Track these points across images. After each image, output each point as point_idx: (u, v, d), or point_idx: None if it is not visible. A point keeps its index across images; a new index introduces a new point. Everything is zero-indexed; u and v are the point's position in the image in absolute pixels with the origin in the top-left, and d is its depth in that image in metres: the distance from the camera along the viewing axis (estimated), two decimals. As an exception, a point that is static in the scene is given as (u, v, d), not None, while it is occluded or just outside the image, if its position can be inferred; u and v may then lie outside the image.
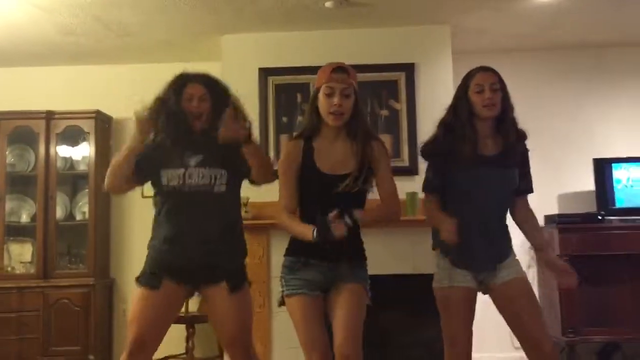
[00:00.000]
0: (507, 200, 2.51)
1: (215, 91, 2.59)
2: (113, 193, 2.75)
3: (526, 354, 2.43)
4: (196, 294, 2.63)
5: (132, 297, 4.99)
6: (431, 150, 2.54)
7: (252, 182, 2.59)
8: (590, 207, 4.64)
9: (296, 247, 2.35)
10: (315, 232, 2.21)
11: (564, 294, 4.26)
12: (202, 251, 2.50)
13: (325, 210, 2.22)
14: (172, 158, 2.52)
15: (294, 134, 2.46)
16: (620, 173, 4.59)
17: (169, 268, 2.50)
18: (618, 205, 4.56)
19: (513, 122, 2.51)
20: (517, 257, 2.54)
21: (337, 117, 2.34)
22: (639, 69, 5.00)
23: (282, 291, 2.38)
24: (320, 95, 2.36)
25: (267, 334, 4.10)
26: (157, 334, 2.51)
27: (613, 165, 4.60)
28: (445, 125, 2.52)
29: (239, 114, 2.40)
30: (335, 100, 2.33)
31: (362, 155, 2.35)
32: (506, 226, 2.52)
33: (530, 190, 2.57)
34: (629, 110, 4.98)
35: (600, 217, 4.42)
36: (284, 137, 4.46)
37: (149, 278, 2.51)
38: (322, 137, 2.40)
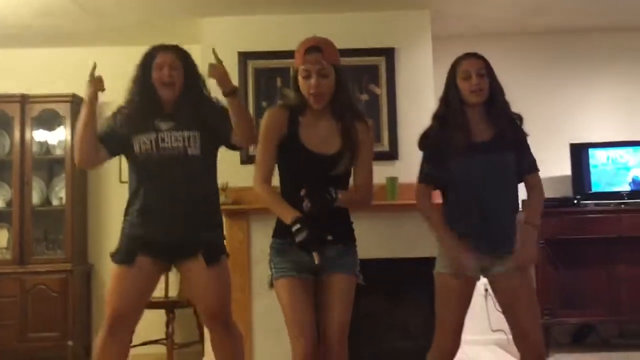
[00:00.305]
0: (507, 185, 2.48)
1: (188, 62, 2.57)
2: (86, 167, 2.68)
3: (514, 341, 2.47)
4: (173, 268, 2.61)
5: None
6: (427, 141, 2.54)
7: (231, 146, 2.54)
8: (567, 191, 4.71)
9: (284, 229, 2.27)
10: (298, 230, 2.16)
11: (540, 278, 4.33)
12: (176, 224, 2.47)
13: (311, 188, 2.20)
14: (142, 125, 2.48)
15: (279, 102, 2.40)
16: (600, 155, 4.65)
17: (143, 243, 2.47)
18: (594, 189, 4.63)
19: (503, 106, 2.50)
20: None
21: (317, 99, 2.28)
22: (616, 54, 5.06)
23: (271, 274, 2.33)
24: (299, 77, 2.30)
25: (248, 319, 4.10)
26: (134, 310, 2.50)
27: (589, 150, 4.67)
28: (439, 116, 2.52)
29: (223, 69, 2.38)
30: (312, 81, 2.26)
31: (347, 135, 2.30)
32: (512, 212, 2.49)
33: (533, 169, 2.55)
34: (606, 95, 5.04)
35: (576, 202, 4.48)
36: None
37: (124, 254, 2.49)
38: (307, 113, 2.33)
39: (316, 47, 2.28)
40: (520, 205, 2.55)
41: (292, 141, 2.30)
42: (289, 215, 2.19)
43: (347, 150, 2.29)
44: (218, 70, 2.40)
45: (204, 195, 2.52)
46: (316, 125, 2.32)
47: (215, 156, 2.58)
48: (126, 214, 2.56)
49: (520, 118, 2.56)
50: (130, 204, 2.55)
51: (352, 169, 2.34)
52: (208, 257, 2.48)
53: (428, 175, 2.50)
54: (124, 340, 2.53)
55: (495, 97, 2.48)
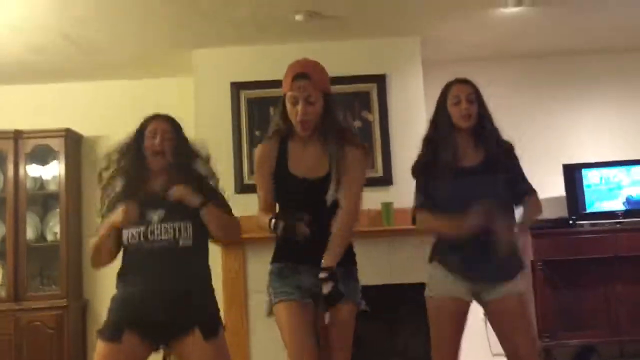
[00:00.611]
0: (499, 209, 2.43)
1: (180, 133, 2.51)
2: (99, 268, 2.65)
3: None
4: (161, 347, 2.45)
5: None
6: (418, 168, 2.54)
7: (214, 240, 2.49)
8: (561, 212, 4.71)
9: (283, 253, 2.25)
10: (276, 223, 2.17)
11: (539, 299, 4.31)
12: (167, 310, 2.33)
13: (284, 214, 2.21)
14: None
15: (267, 134, 2.38)
16: (593, 175, 4.67)
17: (131, 324, 2.35)
18: (589, 209, 4.64)
19: (492, 132, 2.51)
20: (526, 271, 2.54)
21: (304, 126, 2.26)
22: (605, 75, 5.12)
23: (270, 299, 2.25)
24: (287, 103, 2.28)
25: (245, 350, 4.06)
26: None
27: (583, 170, 4.69)
28: (428, 140, 2.53)
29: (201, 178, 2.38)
30: (299, 108, 2.23)
31: (333, 160, 2.24)
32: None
33: (530, 192, 2.53)
34: (597, 116, 5.08)
35: (571, 222, 4.49)
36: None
37: (110, 331, 2.37)
38: (295, 139, 2.32)
39: (303, 74, 2.25)
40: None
41: (281, 170, 2.30)
42: (266, 220, 2.22)
43: (333, 175, 2.25)
44: (179, 192, 2.34)
45: (197, 278, 2.42)
46: (304, 152, 2.31)
47: (207, 236, 2.46)
48: (117, 288, 2.47)
49: (511, 145, 2.56)
50: (118, 280, 2.48)
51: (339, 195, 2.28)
52: (206, 330, 2.34)
53: (423, 205, 2.49)
54: None
55: (483, 123, 2.50)
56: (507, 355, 2.43)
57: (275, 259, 2.31)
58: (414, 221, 2.55)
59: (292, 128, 2.31)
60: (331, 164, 2.25)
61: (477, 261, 2.39)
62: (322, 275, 2.14)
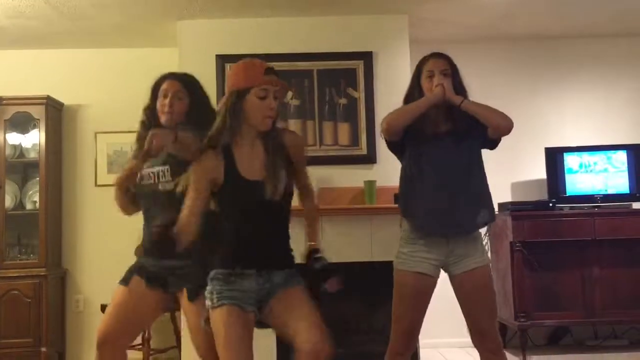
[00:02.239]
0: (471, 170, 2.48)
1: (194, 94, 2.51)
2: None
3: (471, 338, 2.48)
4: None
5: (86, 288, 4.92)
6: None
7: None
8: (542, 195, 4.77)
9: (228, 258, 2.17)
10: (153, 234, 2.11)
11: (516, 280, 4.38)
12: (161, 258, 2.40)
13: (256, 220, 2.16)
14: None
15: (206, 140, 2.19)
16: (574, 159, 4.72)
17: (139, 269, 2.50)
18: (569, 193, 4.70)
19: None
20: (484, 243, 2.57)
21: (269, 122, 2.19)
22: (590, 60, 5.15)
23: (211, 305, 2.14)
24: (251, 97, 2.15)
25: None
26: (120, 331, 2.46)
27: (564, 154, 4.73)
28: None
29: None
30: (272, 103, 2.16)
31: (279, 154, 2.20)
32: (477, 200, 2.48)
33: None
34: (580, 100, 5.12)
35: (551, 205, 4.54)
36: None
37: (125, 273, 2.53)
38: (240, 142, 2.20)
39: (272, 69, 2.20)
40: (487, 199, 2.53)
41: (232, 178, 2.18)
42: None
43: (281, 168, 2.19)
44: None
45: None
46: (252, 152, 2.20)
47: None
48: None
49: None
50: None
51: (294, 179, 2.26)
52: (190, 291, 2.39)
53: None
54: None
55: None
56: (468, 325, 2.47)
57: (219, 264, 2.20)
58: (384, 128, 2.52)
59: (240, 128, 2.18)
60: (275, 161, 2.19)
61: (439, 215, 2.42)
62: (316, 255, 2.24)
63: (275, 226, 2.22)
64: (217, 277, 2.17)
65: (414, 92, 2.53)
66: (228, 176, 2.17)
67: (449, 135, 2.48)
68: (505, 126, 2.50)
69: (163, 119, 2.48)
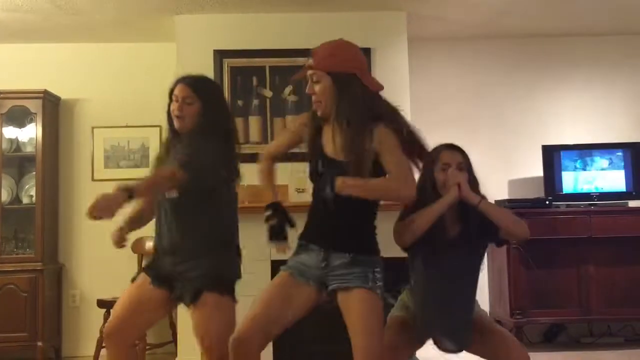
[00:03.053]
0: (473, 282, 2.42)
1: (206, 99, 2.50)
2: None
3: None
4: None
5: (83, 283, 4.91)
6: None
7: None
8: (539, 192, 4.77)
9: (302, 232, 2.26)
10: (269, 217, 2.24)
11: (512, 278, 4.39)
12: (169, 262, 2.46)
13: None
14: None
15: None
16: (571, 157, 4.73)
17: (147, 266, 2.56)
18: (565, 191, 4.71)
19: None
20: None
21: (317, 106, 2.23)
22: (587, 58, 5.15)
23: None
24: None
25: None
26: (123, 325, 2.48)
27: (561, 152, 4.74)
28: (414, 206, 2.36)
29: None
30: (308, 89, 2.22)
31: (353, 143, 2.13)
32: (469, 311, 2.42)
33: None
34: (577, 98, 5.12)
35: (547, 203, 4.55)
36: (239, 121, 4.40)
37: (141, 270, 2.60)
38: (327, 121, 2.26)
39: (310, 52, 2.24)
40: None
41: (314, 146, 2.27)
42: (268, 193, 2.29)
43: (354, 158, 2.13)
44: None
45: (189, 233, 2.45)
46: (329, 133, 2.23)
47: (199, 190, 2.40)
48: None
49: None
50: None
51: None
52: (190, 295, 2.41)
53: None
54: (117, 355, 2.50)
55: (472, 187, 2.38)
56: None
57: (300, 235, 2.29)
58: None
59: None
60: (349, 152, 2.15)
61: (434, 326, 2.40)
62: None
63: (345, 208, 2.15)
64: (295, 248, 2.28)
65: (427, 184, 2.37)
66: (312, 143, 2.27)
67: (460, 238, 2.36)
68: (521, 236, 2.42)
69: (175, 123, 2.51)
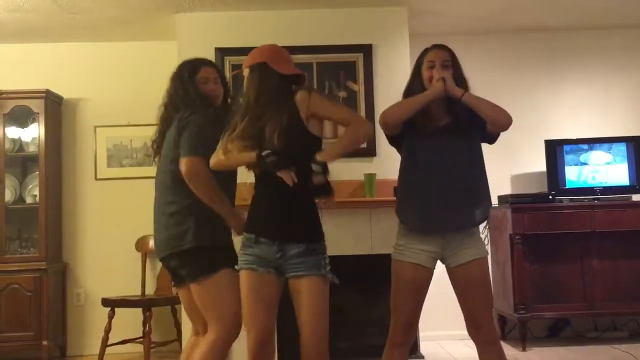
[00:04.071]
0: (469, 166, 2.47)
1: (223, 77, 2.69)
2: None
3: (467, 329, 2.48)
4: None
5: (87, 281, 4.92)
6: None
7: None
8: (542, 187, 4.77)
9: (249, 224, 2.33)
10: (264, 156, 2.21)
11: (516, 272, 4.38)
12: (159, 240, 2.50)
13: (272, 189, 2.28)
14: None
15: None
16: (574, 151, 4.72)
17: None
18: (568, 185, 4.70)
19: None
20: (481, 235, 2.55)
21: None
22: (589, 52, 5.14)
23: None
24: None
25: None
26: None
27: (564, 146, 4.73)
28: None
29: None
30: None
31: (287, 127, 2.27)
32: (475, 195, 2.47)
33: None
34: (580, 92, 5.11)
35: (551, 197, 4.54)
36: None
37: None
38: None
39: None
40: (485, 194, 2.52)
41: None
42: (253, 154, 2.24)
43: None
44: None
45: (169, 209, 2.50)
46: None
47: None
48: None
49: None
50: None
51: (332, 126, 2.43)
52: (181, 275, 2.53)
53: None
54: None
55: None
56: (465, 316, 2.46)
57: (244, 228, 2.35)
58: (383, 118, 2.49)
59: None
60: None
61: (434, 215, 2.41)
62: (315, 167, 2.19)
63: (295, 197, 2.26)
64: (242, 241, 2.34)
65: (415, 83, 2.51)
66: None
67: (448, 129, 2.46)
68: (504, 122, 2.48)
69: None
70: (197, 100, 2.51)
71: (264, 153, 2.20)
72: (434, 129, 2.46)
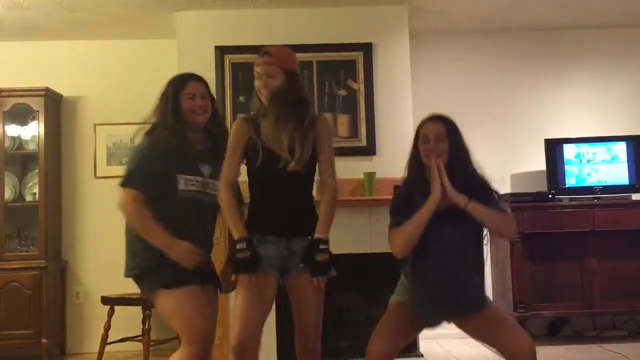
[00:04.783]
0: (472, 249, 2.42)
1: (210, 93, 2.61)
2: None
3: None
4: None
5: (86, 279, 4.93)
6: (394, 209, 2.49)
7: None
8: (542, 186, 4.77)
9: (252, 223, 2.35)
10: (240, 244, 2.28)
11: (515, 271, 4.38)
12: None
13: (273, 188, 2.33)
14: (188, 163, 2.48)
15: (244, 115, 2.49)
16: (574, 150, 4.72)
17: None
18: (568, 184, 4.70)
19: (464, 170, 2.43)
20: (483, 235, 2.49)
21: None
22: (590, 51, 5.13)
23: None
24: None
25: (224, 315, 4.08)
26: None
27: (564, 145, 4.73)
28: (405, 181, 2.50)
29: None
30: (257, 83, 2.41)
31: (302, 133, 2.34)
32: (476, 281, 2.42)
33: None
34: (580, 91, 5.11)
35: (550, 196, 4.54)
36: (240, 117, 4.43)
37: None
38: (266, 116, 2.40)
39: (267, 52, 2.45)
40: (483, 268, 2.47)
41: (254, 145, 2.40)
42: (237, 232, 2.29)
43: (302, 147, 2.33)
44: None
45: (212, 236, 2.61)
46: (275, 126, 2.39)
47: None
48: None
49: (485, 183, 2.47)
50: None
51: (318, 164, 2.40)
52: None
53: (400, 223, 2.41)
54: None
55: (454, 163, 2.41)
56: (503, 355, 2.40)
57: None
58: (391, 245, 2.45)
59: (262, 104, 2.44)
60: (300, 142, 2.33)
61: (434, 302, 2.37)
62: (322, 246, 2.27)
63: (297, 191, 2.35)
64: None
65: (414, 156, 2.47)
66: (252, 143, 2.36)
67: (447, 214, 2.37)
68: (508, 234, 2.50)
69: (198, 117, 2.54)
70: (170, 121, 2.47)
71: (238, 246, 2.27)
72: (433, 216, 2.36)
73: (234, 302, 2.36)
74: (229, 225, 2.34)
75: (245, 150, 2.39)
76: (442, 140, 2.42)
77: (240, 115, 2.51)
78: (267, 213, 2.34)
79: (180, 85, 2.51)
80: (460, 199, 2.35)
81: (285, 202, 2.33)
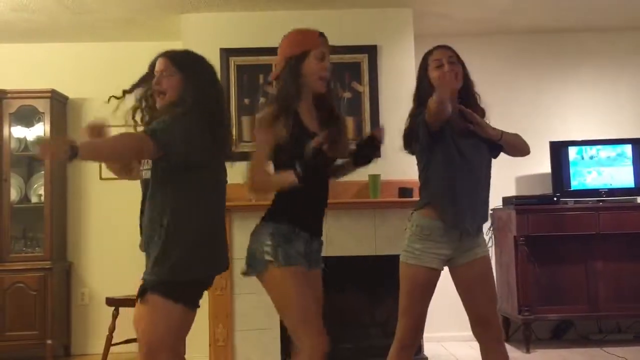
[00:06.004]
0: (487, 168, 2.52)
1: (185, 63, 2.40)
2: None
3: (473, 329, 2.48)
4: None
5: (91, 281, 4.93)
6: (407, 138, 2.54)
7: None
8: (547, 189, 4.76)
9: (291, 215, 2.25)
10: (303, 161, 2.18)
11: (520, 274, 4.38)
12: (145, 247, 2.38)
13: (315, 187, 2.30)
14: None
15: (276, 109, 2.28)
16: (579, 152, 4.71)
17: None
18: (573, 187, 4.69)
19: (474, 99, 2.52)
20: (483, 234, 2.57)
21: (324, 83, 2.33)
22: (594, 53, 5.12)
23: (270, 260, 2.19)
24: (311, 60, 2.29)
25: (229, 317, 4.09)
26: None
27: (569, 147, 4.72)
28: (414, 115, 2.51)
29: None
30: (327, 64, 2.31)
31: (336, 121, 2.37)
32: (488, 196, 2.53)
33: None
34: (585, 94, 5.10)
35: (555, 199, 4.53)
36: (245, 119, 4.43)
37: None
38: (303, 101, 2.31)
39: (323, 34, 2.38)
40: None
41: (298, 130, 2.26)
42: (289, 174, 2.17)
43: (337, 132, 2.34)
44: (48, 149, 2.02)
45: (152, 220, 2.30)
46: (313, 111, 2.37)
47: (167, 176, 2.25)
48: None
49: (483, 112, 2.57)
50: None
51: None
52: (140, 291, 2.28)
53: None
54: None
55: (468, 87, 2.50)
56: (469, 315, 2.47)
57: (281, 219, 2.24)
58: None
59: (300, 90, 2.29)
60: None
61: (462, 209, 2.40)
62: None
63: (325, 194, 2.35)
64: (280, 233, 2.23)
65: (423, 85, 2.49)
66: (295, 129, 2.25)
67: (472, 135, 2.47)
68: (526, 152, 2.66)
69: (157, 103, 2.46)
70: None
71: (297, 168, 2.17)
72: (460, 133, 2.45)
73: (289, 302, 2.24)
74: (275, 184, 2.25)
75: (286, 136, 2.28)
76: (454, 63, 2.47)
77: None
78: (303, 209, 2.27)
79: (152, 66, 2.45)
80: (495, 133, 2.48)
81: (322, 201, 2.35)
